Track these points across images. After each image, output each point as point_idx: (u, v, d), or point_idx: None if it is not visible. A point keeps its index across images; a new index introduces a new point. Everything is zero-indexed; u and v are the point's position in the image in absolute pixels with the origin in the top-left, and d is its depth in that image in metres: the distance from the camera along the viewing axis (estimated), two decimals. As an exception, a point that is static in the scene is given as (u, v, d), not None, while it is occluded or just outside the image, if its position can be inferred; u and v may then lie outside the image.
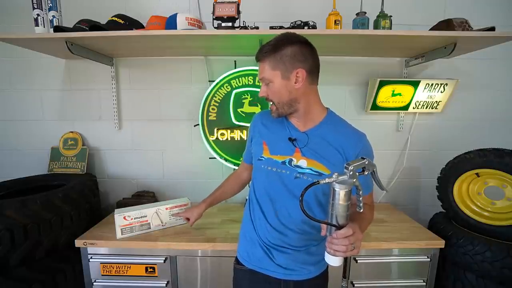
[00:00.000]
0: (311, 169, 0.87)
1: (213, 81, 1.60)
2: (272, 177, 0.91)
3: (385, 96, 1.62)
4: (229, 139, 1.64)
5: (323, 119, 0.92)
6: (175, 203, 1.41)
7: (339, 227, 0.71)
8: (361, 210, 0.74)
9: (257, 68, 1.54)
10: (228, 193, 1.23)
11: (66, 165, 1.66)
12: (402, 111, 1.70)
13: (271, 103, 0.91)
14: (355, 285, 1.30)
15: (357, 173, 0.71)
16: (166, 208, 1.38)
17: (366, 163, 0.73)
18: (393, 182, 1.79)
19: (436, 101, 1.64)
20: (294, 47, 0.83)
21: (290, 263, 0.92)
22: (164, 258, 1.27)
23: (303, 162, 0.88)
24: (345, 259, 1.23)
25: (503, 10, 1.62)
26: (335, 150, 0.87)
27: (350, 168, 0.69)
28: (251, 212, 0.99)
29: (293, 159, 0.89)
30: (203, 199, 1.24)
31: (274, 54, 0.83)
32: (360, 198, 0.73)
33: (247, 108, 1.61)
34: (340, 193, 0.69)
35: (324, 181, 0.70)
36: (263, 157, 0.93)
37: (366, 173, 0.74)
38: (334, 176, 0.69)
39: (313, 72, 0.87)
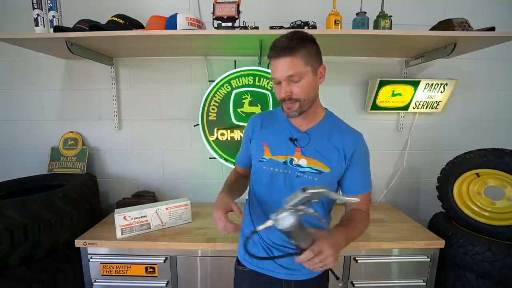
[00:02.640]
0: (311, 167, 0.88)
1: (213, 81, 1.60)
2: (275, 177, 0.91)
3: (385, 96, 1.62)
4: (229, 139, 1.63)
5: (322, 117, 0.93)
6: (175, 203, 1.41)
7: (302, 251, 0.69)
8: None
9: (257, 68, 1.57)
10: (242, 191, 1.08)
11: (66, 165, 1.66)
12: (402, 111, 1.70)
13: (288, 101, 0.83)
14: (355, 285, 1.30)
15: (301, 207, 0.67)
16: (166, 208, 1.38)
17: (308, 195, 0.66)
18: (393, 182, 1.79)
19: (436, 101, 1.64)
20: (313, 43, 0.83)
21: (291, 263, 0.91)
22: (164, 258, 1.27)
23: (303, 161, 0.88)
24: (344, 261, 1.23)
25: (503, 10, 1.62)
26: (333, 148, 0.88)
27: (286, 206, 0.66)
28: (251, 213, 0.99)
29: (294, 158, 0.89)
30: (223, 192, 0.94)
31: (305, 48, 0.79)
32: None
33: (247, 108, 1.61)
34: (283, 229, 0.66)
35: (261, 227, 0.69)
36: (264, 158, 0.93)
37: (313, 201, 0.69)
38: (272, 219, 0.67)
39: None
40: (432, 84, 1.59)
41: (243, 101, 1.61)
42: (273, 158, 0.91)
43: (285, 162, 0.90)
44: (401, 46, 1.41)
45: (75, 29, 1.28)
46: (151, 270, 1.28)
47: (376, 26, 1.31)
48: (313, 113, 0.91)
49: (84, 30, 1.26)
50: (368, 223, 0.89)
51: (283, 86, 0.81)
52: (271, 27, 1.29)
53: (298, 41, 0.79)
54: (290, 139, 0.91)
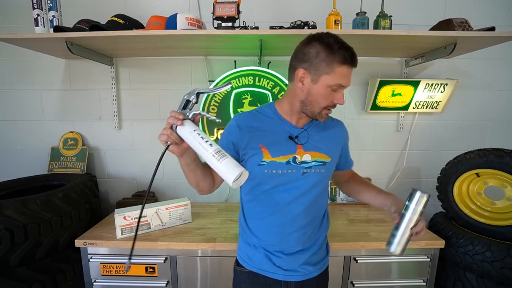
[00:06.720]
0: (315, 161, 0.89)
1: (213, 81, 1.60)
2: (278, 179, 0.88)
3: (385, 96, 1.62)
4: (229, 139, 1.63)
5: None
6: (175, 203, 1.41)
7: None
8: (218, 120, 0.81)
9: (257, 68, 1.57)
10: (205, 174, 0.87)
11: (66, 165, 1.66)
12: (402, 111, 1.70)
13: (333, 108, 0.91)
14: (355, 285, 1.30)
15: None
16: (166, 208, 1.38)
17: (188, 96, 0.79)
18: (393, 182, 1.79)
19: (436, 101, 1.64)
20: None
21: (290, 264, 0.91)
22: (164, 258, 1.27)
23: (307, 157, 0.89)
24: (344, 261, 1.22)
25: (503, 10, 1.62)
26: (331, 137, 0.95)
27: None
28: (249, 225, 0.97)
29: (297, 156, 0.88)
30: None
31: None
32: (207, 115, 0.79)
33: (247, 108, 1.61)
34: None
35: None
36: (264, 161, 0.88)
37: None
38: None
39: None
40: (432, 84, 1.59)
41: (243, 101, 1.60)
42: (274, 160, 0.88)
43: (287, 162, 0.88)
44: (401, 46, 1.41)
45: (75, 29, 1.28)
46: (151, 270, 1.28)
47: (376, 26, 1.31)
48: None
49: (84, 30, 1.26)
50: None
51: (343, 93, 0.89)
52: (271, 27, 1.29)
53: None
54: (290, 137, 0.89)
